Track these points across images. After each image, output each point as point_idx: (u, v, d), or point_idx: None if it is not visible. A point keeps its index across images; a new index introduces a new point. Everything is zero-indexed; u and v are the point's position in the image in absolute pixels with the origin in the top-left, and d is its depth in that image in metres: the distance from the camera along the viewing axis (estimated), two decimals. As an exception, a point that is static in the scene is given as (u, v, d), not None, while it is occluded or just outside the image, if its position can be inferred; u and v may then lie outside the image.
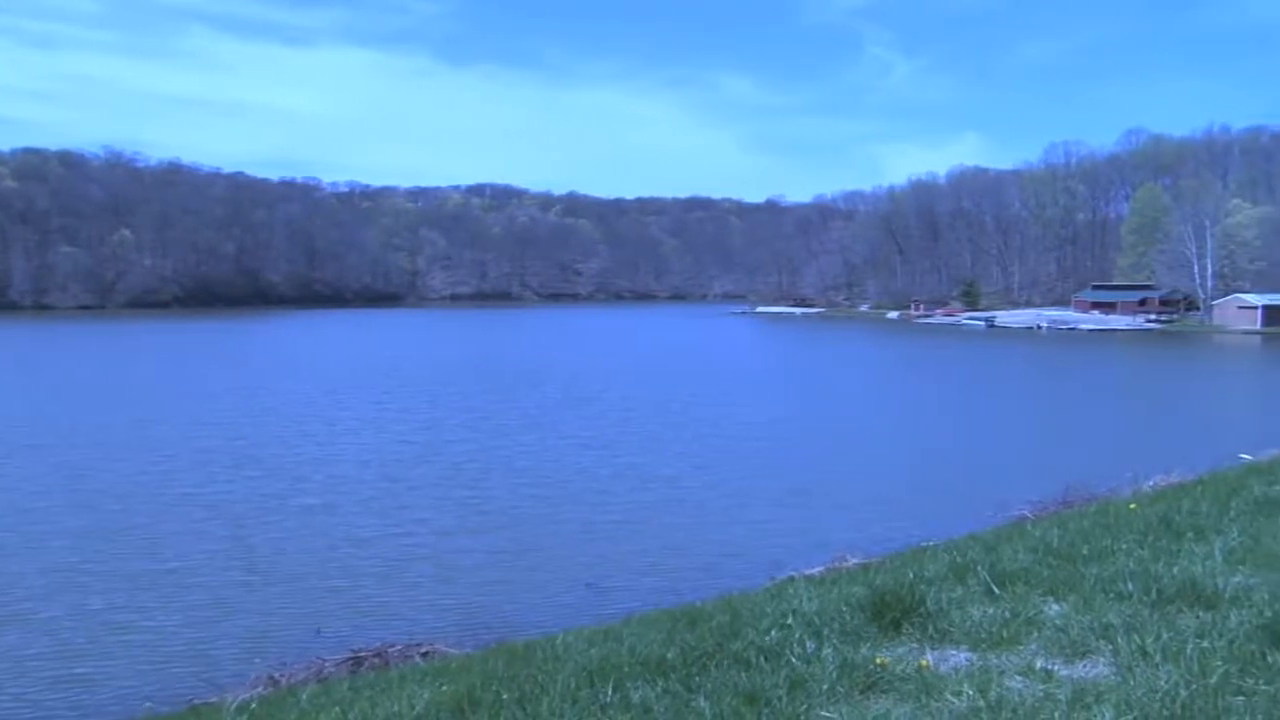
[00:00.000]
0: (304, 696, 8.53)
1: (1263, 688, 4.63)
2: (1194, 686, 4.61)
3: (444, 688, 6.18)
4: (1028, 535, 9.66)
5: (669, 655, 5.63)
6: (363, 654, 12.61)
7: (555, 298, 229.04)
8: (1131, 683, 4.78)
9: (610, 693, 5.11)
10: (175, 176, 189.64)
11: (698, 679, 5.22)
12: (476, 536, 20.99)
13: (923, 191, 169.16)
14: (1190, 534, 8.48)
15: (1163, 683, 4.71)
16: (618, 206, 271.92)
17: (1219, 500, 10.59)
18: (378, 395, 47.76)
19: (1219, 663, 4.92)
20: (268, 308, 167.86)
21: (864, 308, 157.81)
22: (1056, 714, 4.44)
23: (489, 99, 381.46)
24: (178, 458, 29.99)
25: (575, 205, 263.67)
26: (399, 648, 12.86)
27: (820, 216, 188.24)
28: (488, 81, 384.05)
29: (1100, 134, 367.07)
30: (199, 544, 20.09)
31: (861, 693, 4.96)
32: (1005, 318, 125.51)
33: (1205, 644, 5.25)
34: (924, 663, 5.29)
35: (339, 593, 17.22)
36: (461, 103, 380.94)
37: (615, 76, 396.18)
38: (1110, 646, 5.40)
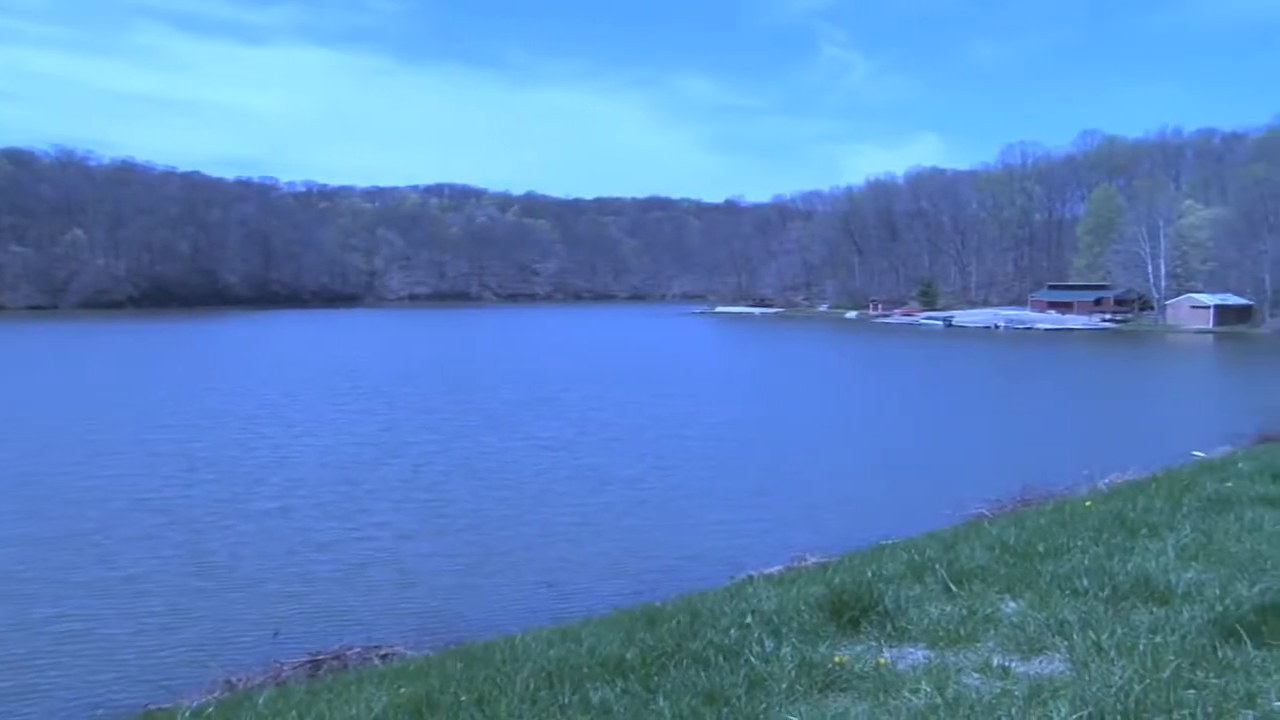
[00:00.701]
0: (261, 700, 8.43)
1: (1213, 681, 4.70)
2: (1147, 681, 4.66)
3: (402, 690, 6.14)
4: (985, 533, 9.72)
5: (628, 655, 5.63)
6: (321, 657, 12.51)
7: (513, 298, 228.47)
8: (1086, 678, 4.82)
9: (569, 693, 5.09)
10: (128, 175, 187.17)
11: (657, 679, 5.21)
12: (436, 539, 20.87)
13: (881, 192, 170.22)
14: (1144, 531, 8.56)
15: (1117, 678, 4.76)
16: (576, 206, 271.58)
17: (1172, 497, 10.70)
18: (335, 397, 47.38)
19: (1171, 657, 4.98)
20: (224, 308, 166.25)
21: (822, 308, 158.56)
22: (1013, 710, 4.47)
23: (448, 99, 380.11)
24: (130, 461, 29.60)
25: (534, 205, 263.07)
26: (357, 650, 12.76)
27: (779, 217, 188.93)
28: (447, 81, 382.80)
29: (1056, 135, 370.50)
30: (153, 549, 19.84)
31: (820, 691, 4.97)
32: (963, 317, 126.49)
33: (1158, 639, 5.31)
34: (882, 661, 5.31)
35: (297, 596, 17.07)
36: (420, 103, 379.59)
37: (575, 77, 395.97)
38: (1066, 643, 5.44)
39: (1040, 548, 7.94)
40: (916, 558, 8.03)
